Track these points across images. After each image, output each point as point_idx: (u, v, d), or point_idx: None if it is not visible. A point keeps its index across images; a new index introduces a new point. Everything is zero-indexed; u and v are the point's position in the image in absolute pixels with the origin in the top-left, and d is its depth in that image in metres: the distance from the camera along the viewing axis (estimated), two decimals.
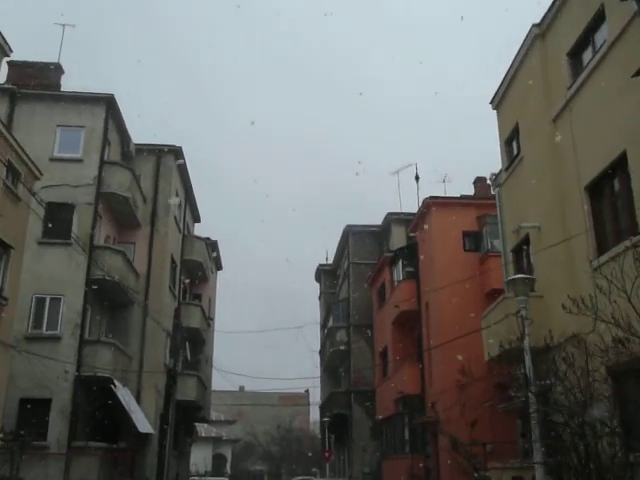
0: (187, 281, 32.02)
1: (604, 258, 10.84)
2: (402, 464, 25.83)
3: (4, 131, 16.48)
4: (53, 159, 22.53)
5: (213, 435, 54.52)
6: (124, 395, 21.97)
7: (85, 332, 21.65)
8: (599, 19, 12.45)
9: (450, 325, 22.00)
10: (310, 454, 55.43)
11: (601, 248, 12.02)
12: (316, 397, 51.92)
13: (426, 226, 25.87)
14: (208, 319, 34.82)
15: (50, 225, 21.56)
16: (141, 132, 26.18)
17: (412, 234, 29.07)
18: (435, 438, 23.01)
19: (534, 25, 14.89)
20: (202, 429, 48.71)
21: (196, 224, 36.09)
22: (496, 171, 19.14)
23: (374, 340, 33.40)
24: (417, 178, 30.89)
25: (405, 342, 28.17)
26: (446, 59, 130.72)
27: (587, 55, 13.09)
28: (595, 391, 8.89)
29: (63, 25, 25.33)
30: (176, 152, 28.44)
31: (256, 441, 60.78)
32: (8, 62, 23.84)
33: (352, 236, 36.84)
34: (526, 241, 15.68)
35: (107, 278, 22.15)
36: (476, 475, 14.99)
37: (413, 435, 25.83)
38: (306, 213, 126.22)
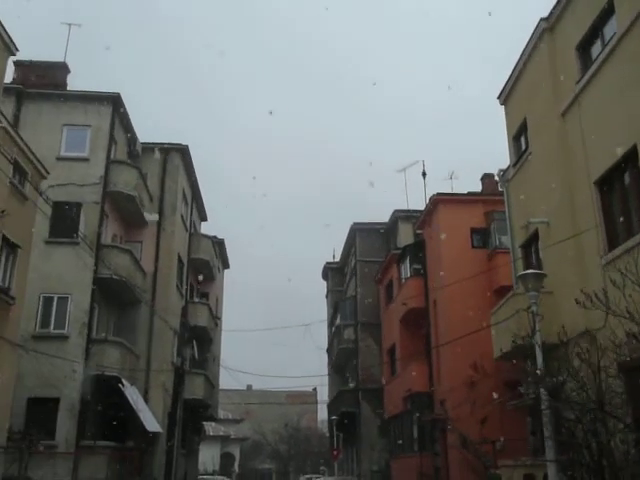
0: (200, 277, 31.96)
1: (618, 251, 10.69)
2: (411, 462, 25.71)
3: (11, 130, 16.47)
4: (60, 158, 22.55)
5: (221, 434, 54.55)
6: (132, 394, 21.96)
7: (92, 331, 21.67)
8: (608, 12, 12.30)
9: (458, 322, 21.85)
10: (318, 452, 55.46)
11: (612, 243, 11.88)
12: (324, 395, 51.94)
13: (433, 223, 25.74)
14: (215, 318, 34.81)
15: (57, 224, 21.57)
16: (140, 132, 25.95)
17: (419, 231, 28.91)
18: (444, 436, 22.89)
19: (542, 19, 14.75)
20: (210, 428, 48.73)
21: (203, 223, 36.08)
22: (503, 167, 18.99)
23: (382, 338, 33.28)
24: (424, 174, 30.74)
25: (413, 339, 28.02)
26: (449, 57, 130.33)
27: (596, 49, 12.94)
28: (608, 387, 8.77)
29: (69, 24, 25.40)
30: (182, 151, 28.43)
31: (264, 440, 60.78)
32: (14, 62, 23.88)
33: (359, 234, 36.71)
34: (535, 237, 15.56)
35: (114, 277, 22.14)
36: (489, 473, 14.87)
37: (422, 433, 25.70)
38: (309, 212, 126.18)
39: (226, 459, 56.57)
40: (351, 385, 36.45)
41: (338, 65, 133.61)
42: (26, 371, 19.28)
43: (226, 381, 62.20)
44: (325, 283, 46.51)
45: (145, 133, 30.49)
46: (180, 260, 28.58)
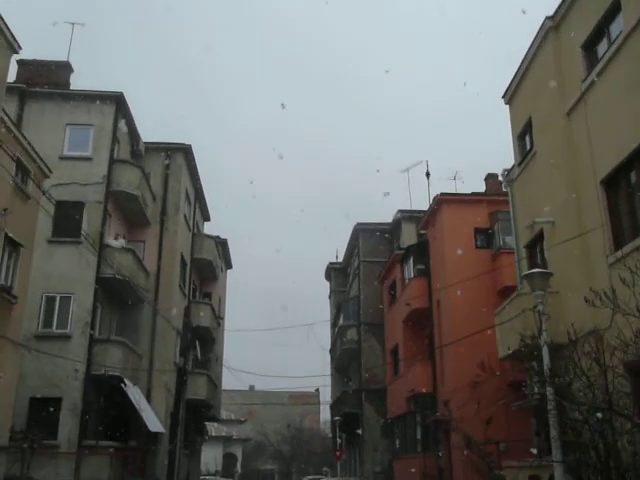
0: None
1: (627, 249, 10.55)
2: (414, 463, 25.62)
3: (14, 129, 16.44)
4: (63, 157, 22.52)
5: (223, 434, 54.47)
6: (134, 394, 21.91)
7: (95, 331, 21.63)
8: (614, 10, 12.23)
9: (462, 323, 21.79)
10: (321, 453, 55.38)
11: (618, 242, 11.80)
12: (327, 396, 51.85)
13: (437, 223, 25.66)
14: (218, 318, 34.74)
15: (60, 224, 21.53)
16: (141, 132, 26.01)
17: (423, 231, 28.85)
18: (447, 437, 22.80)
19: (547, 18, 14.66)
20: (212, 428, 48.66)
21: (206, 223, 36.02)
22: (507, 167, 18.89)
23: (385, 338, 33.20)
24: (428, 175, 30.71)
25: (416, 340, 27.95)
26: (450, 58, 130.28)
27: (602, 47, 12.85)
28: (615, 387, 8.68)
29: (72, 24, 25.30)
30: (185, 150, 28.36)
31: (267, 440, 60.73)
32: (17, 61, 23.89)
33: (362, 234, 36.64)
34: (540, 237, 15.46)
35: (117, 277, 22.08)
36: (493, 474, 14.77)
37: (425, 434, 25.63)
38: (311, 212, 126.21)
39: (228, 460, 56.50)
40: (354, 386, 36.37)
41: (338, 65, 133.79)
42: (28, 371, 19.25)
43: (229, 382, 62.17)
44: (328, 284, 46.42)
45: (147, 133, 30.44)
46: (183, 260, 28.51)
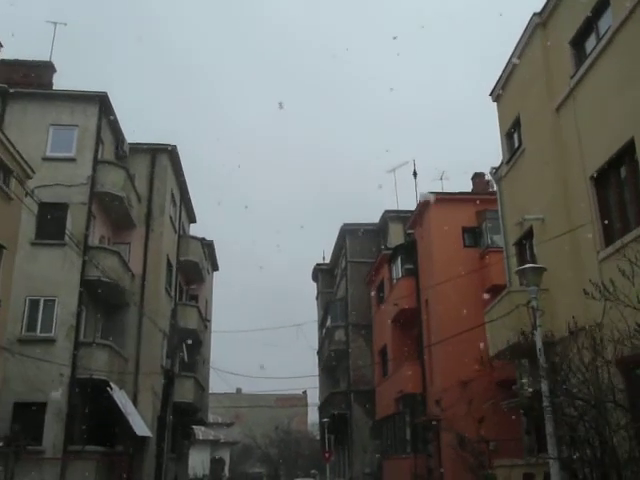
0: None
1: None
2: (403, 464, 25.52)
3: None
4: (46, 158, 22.17)
5: (211, 438, 54.02)
6: (120, 398, 21.61)
7: (80, 334, 21.28)
8: (603, 5, 12.20)
9: (451, 322, 21.73)
10: (309, 455, 55.15)
11: (608, 238, 11.76)
12: (314, 398, 51.64)
13: (425, 223, 25.60)
14: (205, 320, 34.47)
15: (43, 225, 21.20)
16: (130, 134, 25.83)
17: (410, 231, 28.79)
18: (437, 437, 22.71)
19: (535, 14, 14.63)
20: (200, 432, 48.25)
21: (192, 225, 35.72)
22: (494, 166, 18.83)
23: (373, 339, 33.10)
24: (415, 174, 30.61)
25: (405, 340, 27.86)
26: (445, 58, 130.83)
27: (590, 42, 12.83)
28: (609, 384, 8.60)
29: (55, 23, 24.96)
30: (171, 151, 28.07)
31: (254, 443, 60.40)
32: None
33: (349, 235, 36.52)
34: (529, 234, 15.42)
35: (102, 279, 21.77)
36: (484, 472, 14.68)
37: (414, 434, 25.52)
38: (303, 213, 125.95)
39: (216, 463, 56.00)
40: (342, 387, 36.24)
41: (331, 66, 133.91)
42: (12, 375, 18.89)
43: (216, 384, 61.74)
44: (315, 285, 46.27)
45: (137, 135, 30.17)
46: (169, 262, 28.22)
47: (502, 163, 17.75)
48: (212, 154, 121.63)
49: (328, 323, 37.55)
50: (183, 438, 33.36)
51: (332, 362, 38.65)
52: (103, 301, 23.50)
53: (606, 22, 12.05)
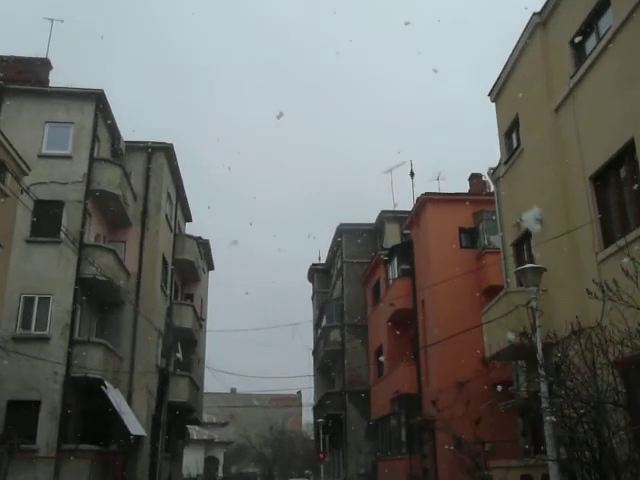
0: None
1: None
2: (398, 465, 25.46)
3: None
4: (41, 156, 22.06)
5: (205, 437, 53.97)
6: (115, 396, 21.50)
7: (75, 332, 21.17)
8: (603, 4, 12.15)
9: (447, 323, 21.69)
10: (303, 456, 55.06)
11: (607, 238, 11.71)
12: (309, 398, 51.54)
13: (421, 223, 25.55)
14: (200, 319, 34.35)
15: (38, 223, 21.07)
16: (127, 132, 25.76)
17: (407, 231, 28.76)
18: (433, 437, 22.65)
19: (535, 14, 14.58)
20: (194, 431, 48.18)
21: (188, 224, 35.61)
22: (491, 166, 18.78)
23: (369, 339, 33.03)
24: (412, 174, 30.62)
25: (401, 341, 27.79)
26: (444, 58, 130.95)
27: (591, 42, 12.77)
28: (610, 384, 8.55)
29: (51, 20, 24.82)
30: (167, 150, 27.97)
31: (248, 443, 60.28)
32: None
33: (345, 235, 36.46)
34: (527, 234, 15.36)
35: (98, 277, 21.66)
36: (480, 474, 14.62)
37: (410, 435, 25.46)
38: (303, 214, 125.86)
39: (210, 463, 55.97)
40: (337, 387, 36.17)
41: (331, 66, 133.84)
42: (6, 373, 18.80)
43: (211, 384, 61.63)
44: (311, 285, 46.18)
45: (136, 135, 29.98)
46: (164, 261, 28.11)
47: (500, 163, 17.70)
48: (212, 154, 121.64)
49: (324, 323, 37.46)
50: (177, 437, 33.24)
51: (327, 362, 38.56)
52: (98, 299, 23.38)
53: (607, 22, 12.01)
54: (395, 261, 27.91)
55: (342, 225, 36.72)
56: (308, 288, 46.71)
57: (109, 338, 22.82)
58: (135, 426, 22.20)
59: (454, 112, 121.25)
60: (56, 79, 24.87)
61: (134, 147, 27.03)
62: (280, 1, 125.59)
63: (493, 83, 17.15)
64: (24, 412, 19.29)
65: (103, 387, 20.79)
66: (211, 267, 40.66)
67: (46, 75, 24.56)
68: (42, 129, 22.60)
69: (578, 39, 13.07)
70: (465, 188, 29.37)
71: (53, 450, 19.46)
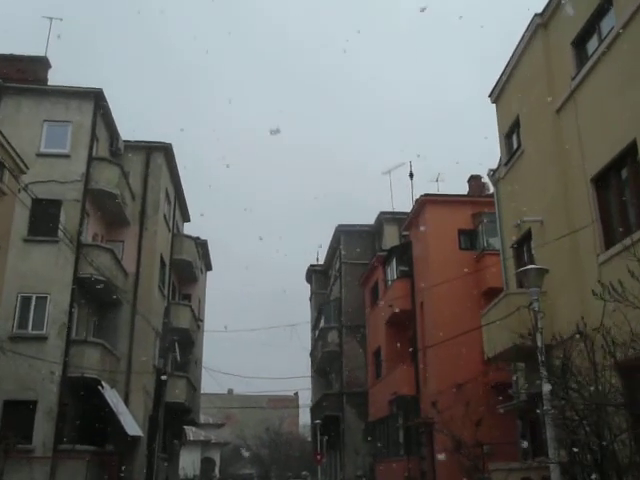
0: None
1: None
2: (396, 466, 25.38)
3: None
4: (40, 154, 21.97)
5: (202, 438, 53.80)
6: (112, 397, 21.41)
7: (72, 332, 21.06)
8: (606, 5, 12.10)
9: (446, 324, 21.64)
10: (300, 457, 54.98)
11: (609, 240, 11.66)
12: (306, 400, 51.49)
13: (420, 224, 25.47)
14: (198, 320, 34.25)
15: (36, 222, 20.99)
16: (128, 132, 25.71)
17: (405, 233, 28.70)
18: (431, 439, 22.58)
19: (536, 15, 14.53)
20: (191, 432, 48.02)
21: (186, 224, 35.53)
22: (491, 167, 18.73)
23: (367, 341, 32.96)
24: (411, 175, 30.57)
25: (399, 342, 27.70)
26: (444, 57, 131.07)
27: (592, 44, 12.72)
28: (612, 387, 8.49)
29: (50, 18, 24.71)
30: (166, 149, 27.88)
31: (245, 444, 60.16)
32: None
33: (344, 236, 36.41)
34: (528, 236, 15.31)
35: (95, 277, 21.56)
36: (479, 476, 14.56)
37: (408, 436, 25.39)
38: (303, 214, 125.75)
39: (207, 464, 55.81)
40: (335, 389, 36.09)
41: (331, 66, 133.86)
42: (3, 373, 18.72)
43: (208, 385, 61.50)
44: (309, 286, 46.10)
45: (136, 136, 29.80)
46: (162, 261, 28.02)
47: (500, 165, 17.65)
48: (212, 154, 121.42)
49: (322, 324, 37.41)
50: (174, 438, 33.13)
51: (325, 363, 38.50)
52: (96, 299, 23.29)
53: (609, 23, 11.96)
54: (394, 262, 27.85)
55: (341, 226, 36.66)
56: (306, 289, 46.66)
57: (106, 338, 22.72)
58: (132, 426, 22.11)
59: (454, 112, 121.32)
60: (55, 78, 24.84)
61: (133, 147, 26.92)
62: (280, 1, 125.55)
63: (494, 84, 17.10)
64: (20, 412, 19.20)
65: (100, 387, 20.70)
66: (209, 267, 40.57)
67: (45, 74, 24.47)
68: (40, 128, 22.51)
69: (580, 40, 13.03)
70: (464, 190, 29.34)
71: (49, 450, 19.36)
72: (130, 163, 26.35)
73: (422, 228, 25.20)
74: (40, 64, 24.37)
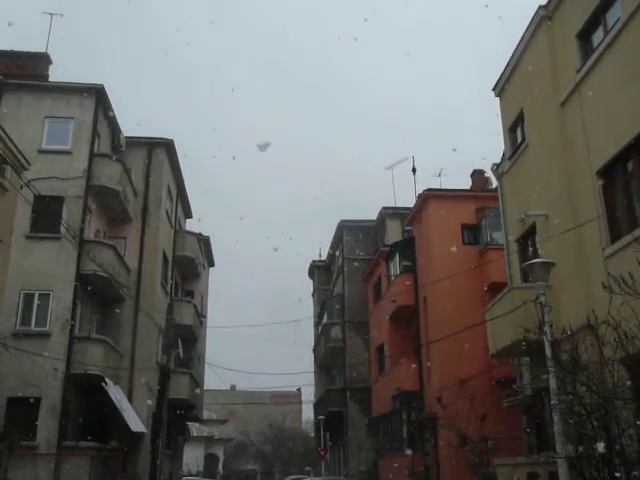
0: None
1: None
2: (400, 462, 25.35)
3: None
4: (41, 151, 21.92)
5: (205, 434, 53.86)
6: (115, 393, 21.39)
7: (75, 328, 21.05)
8: None
9: (449, 320, 21.60)
10: (303, 453, 54.98)
11: (614, 234, 11.57)
12: (309, 395, 51.47)
13: (423, 219, 25.40)
14: (200, 316, 34.22)
15: (38, 219, 20.94)
16: (128, 128, 25.68)
17: (408, 228, 28.63)
18: (434, 435, 22.55)
19: (540, 7, 14.41)
20: (194, 428, 48.05)
21: (189, 221, 35.49)
22: (495, 162, 18.62)
23: (370, 336, 32.91)
24: (414, 170, 30.47)
25: (402, 338, 27.67)
26: (444, 57, 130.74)
27: (598, 35, 12.60)
28: (619, 381, 8.42)
29: (51, 14, 24.65)
30: (167, 146, 27.81)
31: (248, 440, 60.18)
32: None
33: (346, 231, 36.37)
34: (532, 230, 15.22)
35: (98, 273, 21.53)
36: (484, 471, 14.51)
37: (411, 432, 25.34)
38: (302, 214, 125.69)
39: (210, 460, 55.89)
40: (338, 384, 36.09)
41: (331, 66, 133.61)
42: (6, 370, 18.71)
43: (211, 381, 61.51)
44: (311, 282, 46.07)
45: (134, 129, 29.77)
46: (165, 257, 27.98)
47: (504, 159, 17.55)
48: (211, 154, 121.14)
49: (324, 320, 37.37)
50: (178, 434, 33.13)
51: (328, 359, 38.48)
52: (98, 296, 23.26)
53: (615, 14, 11.85)
54: (397, 258, 27.78)
55: (343, 222, 36.61)
56: (308, 287, 46.64)
57: (109, 335, 22.70)
58: (136, 423, 22.12)
59: (454, 112, 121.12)
60: (55, 74, 24.73)
61: (134, 143, 26.87)
62: (280, 1, 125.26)
63: (497, 77, 16.99)
64: (24, 409, 19.17)
65: (103, 384, 20.69)
66: (211, 264, 40.54)
67: (46, 70, 24.41)
68: (42, 124, 22.46)
69: (585, 32, 12.92)
70: (467, 186, 29.27)
71: (53, 447, 19.37)
72: (132, 159, 26.30)
73: (425, 223, 25.13)
74: (41, 60, 24.31)
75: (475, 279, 22.62)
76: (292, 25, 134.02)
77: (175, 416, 28.46)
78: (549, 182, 14.20)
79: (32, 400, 19.43)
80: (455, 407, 18.99)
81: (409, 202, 29.00)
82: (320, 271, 43.55)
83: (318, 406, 40.26)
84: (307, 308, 47.65)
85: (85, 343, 21.08)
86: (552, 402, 9.10)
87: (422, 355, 25.01)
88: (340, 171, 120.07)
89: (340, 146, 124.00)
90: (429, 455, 23.34)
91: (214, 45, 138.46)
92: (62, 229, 20.88)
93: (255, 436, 59.63)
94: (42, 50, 24.46)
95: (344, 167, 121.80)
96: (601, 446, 7.70)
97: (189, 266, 32.31)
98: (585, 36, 13.08)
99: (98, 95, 23.22)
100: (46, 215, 21.03)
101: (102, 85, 23.21)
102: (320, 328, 39.45)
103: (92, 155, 22.64)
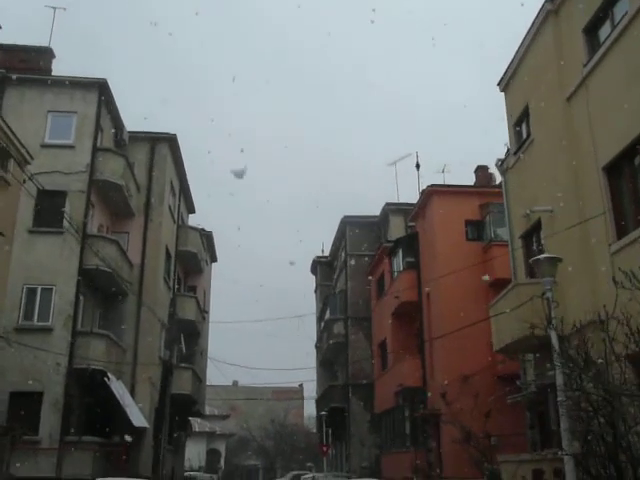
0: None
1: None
2: (402, 458, 25.33)
3: None
4: (44, 145, 21.84)
5: (207, 430, 53.94)
6: (118, 388, 21.35)
7: (78, 323, 21.00)
8: None
9: (452, 316, 21.53)
10: (305, 448, 55.02)
11: (621, 230, 11.49)
12: (311, 391, 51.45)
13: (427, 215, 25.32)
14: (203, 311, 34.20)
15: (41, 213, 20.89)
16: (132, 123, 25.62)
17: (412, 223, 28.56)
18: (437, 431, 22.50)
19: (546, 1, 14.30)
20: (196, 424, 48.12)
21: (191, 216, 35.40)
22: (499, 157, 18.52)
23: (372, 332, 32.87)
24: (418, 166, 30.36)
25: (405, 334, 27.64)
26: (444, 57, 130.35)
27: (605, 30, 12.51)
28: (627, 378, 8.36)
29: (54, 8, 24.55)
30: (170, 140, 27.73)
31: (250, 436, 60.26)
32: None
33: (349, 227, 36.28)
34: (537, 226, 15.13)
35: (100, 268, 21.48)
36: (487, 468, 14.46)
37: (414, 428, 25.31)
38: (303, 214, 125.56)
39: (212, 455, 55.98)
40: (340, 380, 36.06)
41: (331, 66, 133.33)
42: (9, 364, 18.68)
43: (213, 376, 61.58)
44: (314, 278, 46.02)
45: (136, 125, 29.61)
46: (168, 252, 27.92)
47: (508, 154, 17.45)
48: (211, 154, 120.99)
49: (327, 316, 37.32)
50: (180, 430, 33.11)
51: (331, 355, 38.45)
52: (101, 290, 23.22)
53: (622, 8, 11.74)
54: (400, 253, 27.71)
55: (346, 217, 36.53)
56: (311, 284, 46.58)
57: (112, 329, 22.66)
58: (138, 418, 22.07)
59: (454, 111, 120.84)
60: (58, 68, 24.66)
61: (137, 137, 26.81)
62: (280, 1, 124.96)
63: (502, 72, 16.89)
64: (27, 403, 19.15)
65: (106, 379, 20.64)
66: (214, 259, 40.50)
67: (49, 64, 24.33)
68: (45, 118, 22.38)
69: (592, 26, 12.81)
70: (471, 182, 29.14)
71: (56, 442, 19.35)
72: (135, 154, 26.24)
73: (429, 219, 25.05)
74: (44, 54, 24.22)
75: (479, 275, 22.50)
76: (292, 25, 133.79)
77: (177, 411, 28.44)
78: (555, 177, 14.11)
79: (35, 395, 19.41)
80: (459, 403, 18.94)
81: (411, 199, 28.92)
82: (323, 267, 43.50)
83: (320, 402, 40.25)
84: (310, 304, 47.67)
85: (88, 338, 21.04)
86: (559, 398, 9.04)
87: (425, 351, 24.96)
88: (340, 171, 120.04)
89: (340, 146, 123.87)
90: (432, 451, 23.31)
91: (214, 45, 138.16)
92: (65, 223, 20.82)
93: (257, 432, 59.71)
94: (45, 44, 24.45)
95: (344, 167, 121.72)
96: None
97: (192, 261, 32.26)
98: (592, 30, 12.98)
99: (101, 89, 23.15)
100: (49, 209, 20.97)
101: (105, 79, 23.14)
102: (323, 324, 39.42)
103: (95, 149, 22.57)
